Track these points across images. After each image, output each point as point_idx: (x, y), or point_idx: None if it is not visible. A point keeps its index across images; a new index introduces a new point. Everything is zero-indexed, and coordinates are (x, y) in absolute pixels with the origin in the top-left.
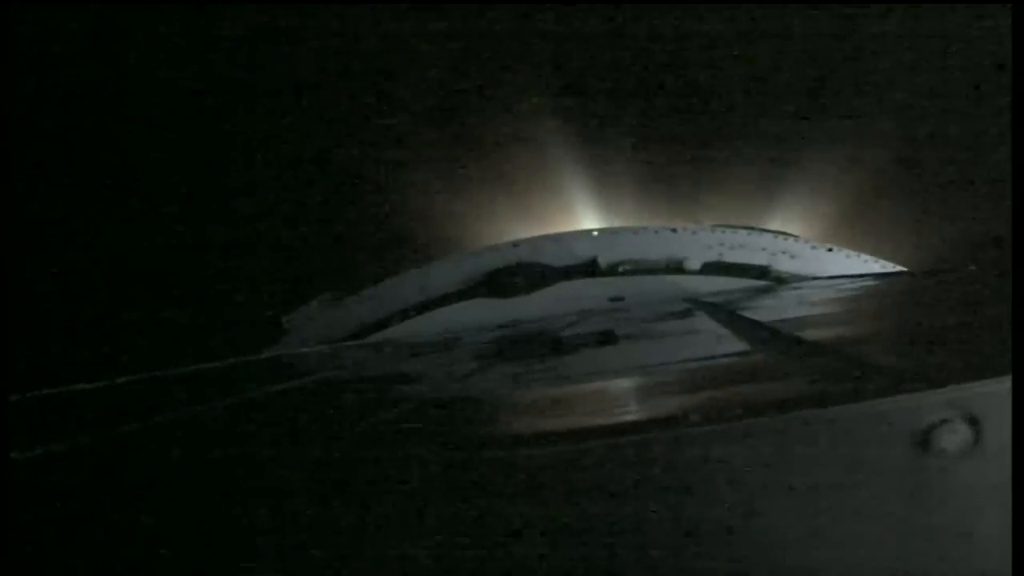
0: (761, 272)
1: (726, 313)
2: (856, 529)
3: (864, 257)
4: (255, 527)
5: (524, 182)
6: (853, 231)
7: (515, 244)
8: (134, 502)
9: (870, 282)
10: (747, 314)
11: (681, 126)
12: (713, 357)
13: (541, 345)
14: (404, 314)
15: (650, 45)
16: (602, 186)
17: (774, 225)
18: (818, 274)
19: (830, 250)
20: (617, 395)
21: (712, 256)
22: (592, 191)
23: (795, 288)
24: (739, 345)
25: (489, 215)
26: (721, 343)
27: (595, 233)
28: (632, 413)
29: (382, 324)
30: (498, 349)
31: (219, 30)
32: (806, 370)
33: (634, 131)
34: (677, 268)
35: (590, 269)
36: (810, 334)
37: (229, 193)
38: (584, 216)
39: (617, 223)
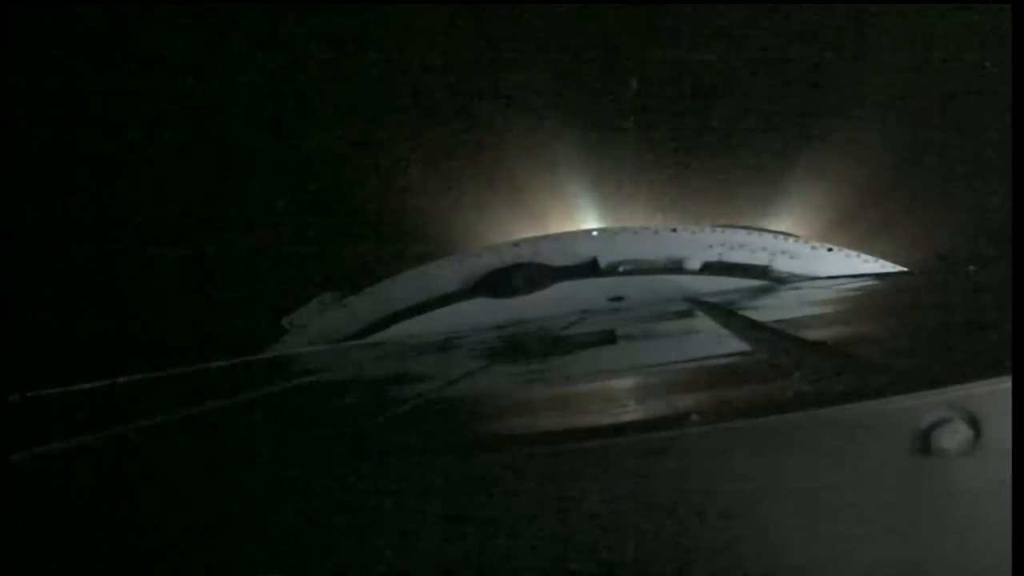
0: (761, 272)
1: (726, 313)
2: (856, 529)
3: (864, 257)
4: (255, 527)
5: (524, 182)
6: (853, 231)
7: (515, 244)
8: (134, 502)
9: (870, 282)
10: (747, 314)
11: (681, 126)
12: (713, 357)
13: (541, 345)
14: (404, 314)
15: (650, 45)
16: (602, 186)
17: (774, 225)
18: (818, 274)
19: (830, 250)
20: (617, 395)
21: (712, 256)
22: (592, 191)
23: (795, 288)
24: (739, 345)
25: (489, 215)
26: (721, 343)
27: (595, 233)
28: (632, 413)
29: (382, 324)
30: (498, 349)
31: (218, 29)
32: (806, 370)
33: (634, 130)
34: (677, 268)
35: (590, 269)
36: (810, 334)
37: (228, 193)
38: (584, 216)
39: (617, 223)
